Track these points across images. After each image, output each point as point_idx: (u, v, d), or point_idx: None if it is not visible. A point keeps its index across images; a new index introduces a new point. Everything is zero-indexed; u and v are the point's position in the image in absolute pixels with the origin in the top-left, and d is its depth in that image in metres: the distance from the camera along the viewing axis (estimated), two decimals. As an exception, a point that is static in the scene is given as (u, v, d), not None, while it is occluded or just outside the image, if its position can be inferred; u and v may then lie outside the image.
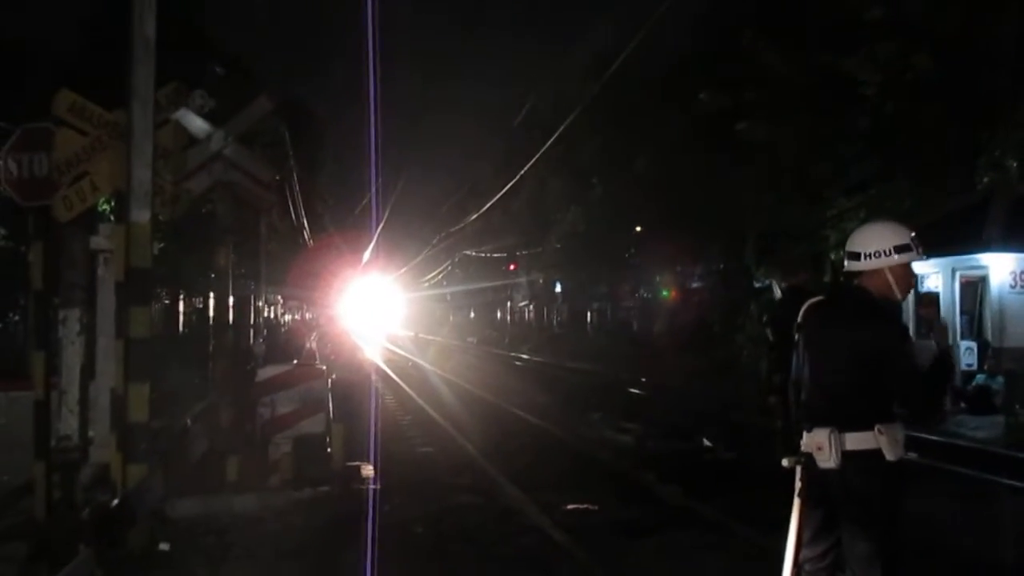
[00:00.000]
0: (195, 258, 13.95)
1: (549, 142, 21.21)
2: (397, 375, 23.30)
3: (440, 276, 60.76)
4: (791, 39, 18.31)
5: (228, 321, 8.70)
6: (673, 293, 32.54)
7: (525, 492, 8.25)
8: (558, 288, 46.40)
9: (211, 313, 11.11)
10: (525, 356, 35.62)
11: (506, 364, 30.68)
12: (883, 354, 3.48)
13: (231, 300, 8.61)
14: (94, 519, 5.18)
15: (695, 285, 31.94)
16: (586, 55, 29.66)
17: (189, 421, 8.81)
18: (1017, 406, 11.95)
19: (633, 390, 19.24)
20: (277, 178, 12.91)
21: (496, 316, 61.32)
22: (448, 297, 68.16)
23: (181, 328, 16.23)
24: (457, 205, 50.49)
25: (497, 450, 11.10)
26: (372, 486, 8.02)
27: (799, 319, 3.81)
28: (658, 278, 33.49)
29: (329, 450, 8.81)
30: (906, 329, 3.75)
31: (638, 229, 32.24)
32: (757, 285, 23.68)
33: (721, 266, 28.34)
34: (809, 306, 3.82)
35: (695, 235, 26.33)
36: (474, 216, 36.91)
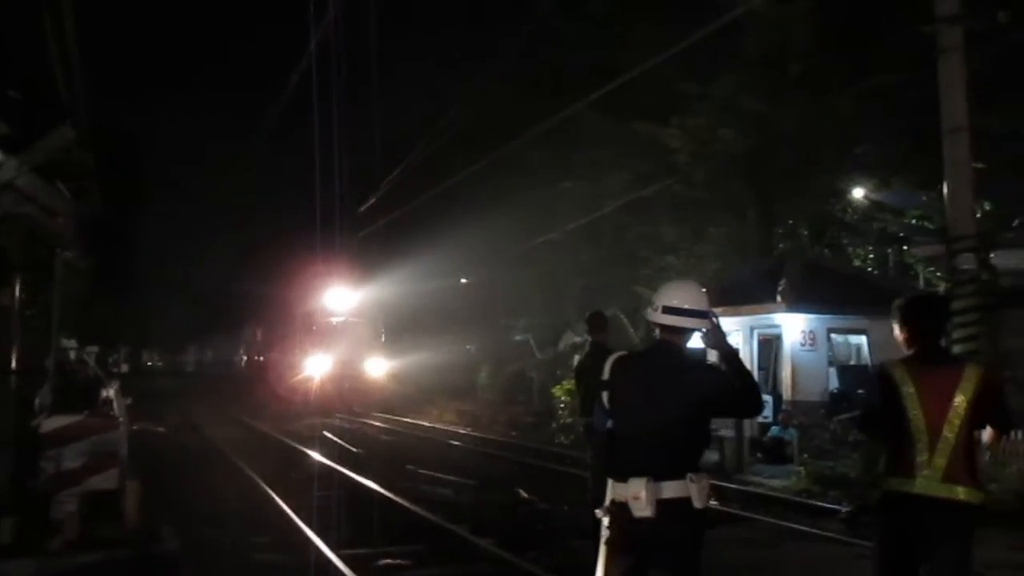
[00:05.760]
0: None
1: (362, 208, 21.17)
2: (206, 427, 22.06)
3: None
4: (614, 104, 19.26)
5: (10, 366, 7.93)
6: (496, 346, 32.89)
7: (335, 548, 7.94)
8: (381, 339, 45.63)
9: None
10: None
11: (324, 418, 29.76)
12: (708, 399, 3.65)
13: (15, 344, 7.87)
14: None
15: (518, 338, 32.43)
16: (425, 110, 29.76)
17: (-42, 478, 7.90)
18: (806, 456, 12.86)
19: (453, 442, 19.16)
20: (83, 213, 12.00)
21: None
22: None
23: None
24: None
25: (307, 504, 10.66)
26: (170, 548, 7.50)
27: (607, 375, 3.81)
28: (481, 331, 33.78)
29: (124, 509, 8.15)
30: (719, 370, 3.85)
31: (464, 280, 32.52)
32: (576, 340, 24.34)
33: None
34: (617, 361, 3.84)
35: (517, 289, 26.84)
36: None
